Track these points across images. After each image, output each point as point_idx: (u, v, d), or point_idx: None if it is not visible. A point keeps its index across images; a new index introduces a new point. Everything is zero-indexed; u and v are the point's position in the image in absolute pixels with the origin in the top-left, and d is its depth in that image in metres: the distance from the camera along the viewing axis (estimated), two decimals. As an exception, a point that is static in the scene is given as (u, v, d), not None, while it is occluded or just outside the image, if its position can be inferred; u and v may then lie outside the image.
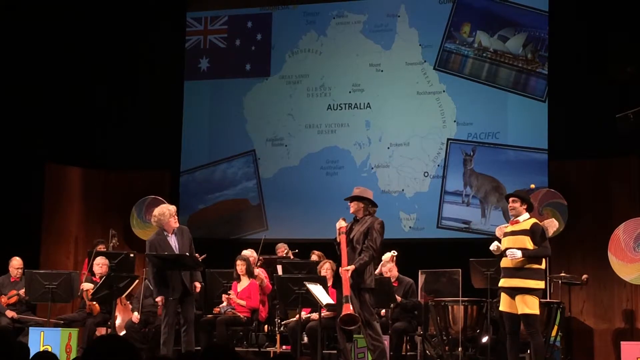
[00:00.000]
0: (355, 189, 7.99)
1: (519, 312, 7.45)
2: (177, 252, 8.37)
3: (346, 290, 7.57)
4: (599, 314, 10.55)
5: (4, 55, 11.50)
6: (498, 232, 7.94)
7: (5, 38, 11.52)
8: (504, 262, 7.56)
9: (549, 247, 7.60)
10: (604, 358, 10.32)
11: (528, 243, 7.46)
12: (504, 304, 7.56)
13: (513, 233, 7.57)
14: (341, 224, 7.83)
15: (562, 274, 9.90)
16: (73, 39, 12.11)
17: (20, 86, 11.61)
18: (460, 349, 8.37)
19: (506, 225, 7.87)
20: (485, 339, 8.77)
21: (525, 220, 7.59)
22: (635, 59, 10.16)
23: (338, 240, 7.83)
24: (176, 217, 8.46)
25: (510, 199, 7.66)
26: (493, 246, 7.72)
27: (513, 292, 7.47)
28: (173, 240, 8.44)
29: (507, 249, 7.54)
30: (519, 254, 7.39)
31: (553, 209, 10.25)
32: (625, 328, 10.37)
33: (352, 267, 7.63)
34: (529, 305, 7.41)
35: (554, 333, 8.66)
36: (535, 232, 7.50)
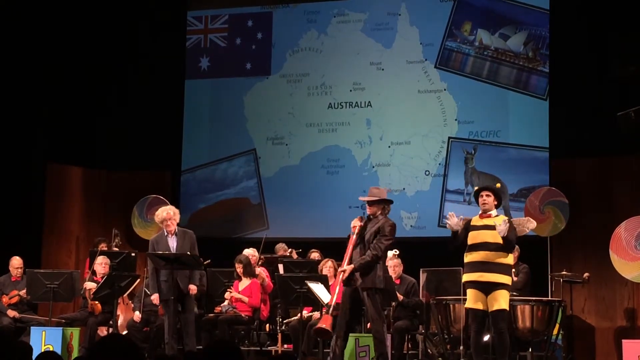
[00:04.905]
0: (372, 189, 7.95)
1: (493, 309, 7.41)
2: (173, 252, 8.44)
3: (337, 298, 7.54)
4: (601, 312, 10.54)
5: (5, 55, 11.49)
6: (453, 221, 7.71)
7: (5, 38, 11.51)
8: (475, 256, 7.52)
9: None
10: (606, 356, 10.30)
11: (500, 237, 7.46)
12: (474, 300, 7.50)
13: (486, 227, 7.56)
14: (356, 223, 7.80)
15: (564, 272, 9.90)
16: (73, 38, 12.09)
17: (21, 86, 11.60)
18: (461, 347, 8.36)
19: (464, 217, 7.76)
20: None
21: (497, 216, 7.63)
22: (637, 57, 10.14)
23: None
24: (171, 221, 8.50)
25: (484, 193, 7.66)
26: (456, 223, 7.59)
27: (489, 287, 7.44)
28: (172, 241, 8.52)
29: (479, 243, 7.52)
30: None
31: (554, 207, 10.23)
32: (626, 326, 10.36)
33: (350, 267, 7.63)
34: (504, 301, 7.43)
35: (555, 331, 8.64)
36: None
